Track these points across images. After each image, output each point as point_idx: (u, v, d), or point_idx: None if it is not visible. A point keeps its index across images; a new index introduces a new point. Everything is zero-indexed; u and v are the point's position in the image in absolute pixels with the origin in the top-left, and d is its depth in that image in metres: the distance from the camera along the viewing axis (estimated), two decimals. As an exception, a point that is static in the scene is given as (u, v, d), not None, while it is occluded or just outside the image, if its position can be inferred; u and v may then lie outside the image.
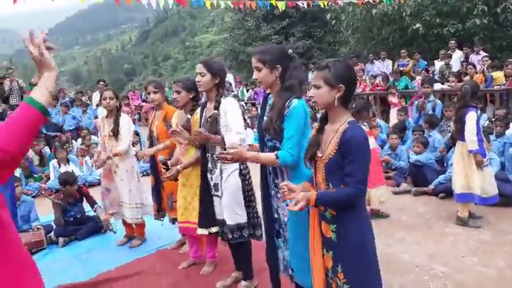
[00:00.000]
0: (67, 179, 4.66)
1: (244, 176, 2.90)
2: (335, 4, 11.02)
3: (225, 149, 2.49)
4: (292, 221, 2.31)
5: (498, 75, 8.19)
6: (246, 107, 10.95)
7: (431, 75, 9.44)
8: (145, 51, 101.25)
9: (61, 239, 4.47)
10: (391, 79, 10.02)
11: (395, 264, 3.46)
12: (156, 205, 4.05)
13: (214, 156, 2.88)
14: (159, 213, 4.06)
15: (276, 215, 2.49)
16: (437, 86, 8.65)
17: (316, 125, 2.09)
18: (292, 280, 2.49)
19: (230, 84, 13.16)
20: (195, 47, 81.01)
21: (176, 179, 3.33)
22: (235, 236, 2.91)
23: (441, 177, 5.25)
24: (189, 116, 3.23)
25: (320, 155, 1.98)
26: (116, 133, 4.02)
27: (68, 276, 3.60)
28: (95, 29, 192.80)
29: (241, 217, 2.89)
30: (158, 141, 3.92)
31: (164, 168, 3.32)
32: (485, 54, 9.22)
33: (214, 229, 3.09)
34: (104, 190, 4.25)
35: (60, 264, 3.96)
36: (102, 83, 11.31)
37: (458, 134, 4.19)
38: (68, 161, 7.06)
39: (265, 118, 2.43)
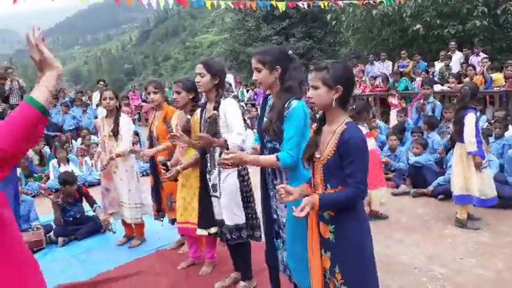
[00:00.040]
0: (67, 179, 4.67)
1: (242, 177, 2.90)
2: (335, 5, 11.04)
3: (228, 150, 2.49)
4: (290, 222, 2.31)
5: (498, 76, 8.19)
6: (245, 108, 10.95)
7: (431, 76, 9.45)
8: (145, 51, 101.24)
9: (60, 239, 4.48)
10: (391, 80, 10.03)
11: (394, 265, 3.46)
12: (156, 205, 4.06)
13: (216, 161, 2.89)
14: (159, 213, 4.07)
15: (275, 216, 2.50)
16: (437, 88, 8.65)
17: (314, 125, 2.10)
18: (290, 280, 2.49)
19: (230, 84, 13.16)
20: (196, 47, 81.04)
21: (176, 180, 3.34)
22: (233, 236, 2.91)
23: (440, 179, 5.26)
24: (189, 117, 3.24)
25: (318, 155, 1.98)
26: (115, 133, 4.02)
27: (67, 276, 3.60)
28: (95, 29, 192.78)
29: (240, 218, 2.89)
30: (158, 142, 3.92)
31: (164, 169, 3.32)
32: (485, 55, 9.24)
33: (213, 230, 3.10)
34: (104, 190, 4.26)
35: (59, 264, 3.97)
36: (102, 83, 11.32)
37: (457, 136, 4.20)
38: (67, 160, 7.07)
39: (265, 119, 2.44)
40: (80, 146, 8.37)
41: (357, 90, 10.44)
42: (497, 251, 3.68)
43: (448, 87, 8.57)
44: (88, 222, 4.73)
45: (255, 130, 5.02)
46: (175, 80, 3.88)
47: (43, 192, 6.27)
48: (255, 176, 2.74)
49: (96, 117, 9.01)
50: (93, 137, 8.40)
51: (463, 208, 4.26)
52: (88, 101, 12.09)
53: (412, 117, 7.65)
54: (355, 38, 14.33)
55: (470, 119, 4.02)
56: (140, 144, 7.84)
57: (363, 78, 10.78)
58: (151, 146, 4.00)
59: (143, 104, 13.49)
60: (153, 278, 3.51)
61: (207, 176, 3.00)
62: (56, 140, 8.38)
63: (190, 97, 3.27)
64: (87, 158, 7.49)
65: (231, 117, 2.80)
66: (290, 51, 2.42)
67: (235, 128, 2.75)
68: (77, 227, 4.64)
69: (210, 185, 2.99)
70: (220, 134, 2.81)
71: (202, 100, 3.27)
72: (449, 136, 5.26)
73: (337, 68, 1.92)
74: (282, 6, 9.80)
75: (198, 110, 3.16)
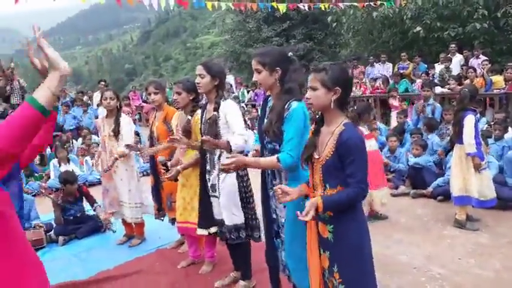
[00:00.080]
0: (67, 178, 4.69)
1: (242, 177, 2.91)
2: (336, 7, 11.07)
3: (231, 152, 2.51)
4: (289, 222, 2.33)
5: (497, 79, 8.21)
6: (246, 109, 10.97)
7: (431, 78, 9.47)
8: (146, 51, 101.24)
9: (61, 238, 4.50)
10: (391, 82, 10.05)
11: (392, 265, 3.48)
12: (157, 205, 4.07)
13: (215, 162, 2.91)
14: (159, 212, 4.09)
15: (274, 216, 2.51)
16: (437, 90, 8.68)
17: (312, 127, 2.12)
18: (289, 280, 2.51)
19: (231, 85, 13.19)
20: (196, 48, 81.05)
21: (176, 180, 3.35)
22: (232, 236, 2.93)
23: (440, 180, 5.27)
24: (189, 117, 3.26)
25: (317, 156, 2.00)
26: (116, 133, 4.04)
27: (68, 275, 3.62)
28: (97, 28, 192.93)
29: (239, 218, 2.91)
30: (158, 142, 3.94)
31: (164, 169, 3.34)
32: (485, 58, 9.26)
33: (213, 229, 3.11)
34: (104, 190, 4.28)
35: (59, 263, 3.99)
36: (103, 83, 11.33)
37: (457, 137, 4.21)
38: (68, 160, 7.09)
39: (265, 120, 2.45)
40: (81, 146, 8.40)
41: (357, 92, 10.47)
42: (496, 251, 3.70)
43: (448, 89, 8.59)
44: (88, 221, 4.75)
45: (255, 131, 5.04)
46: (176, 80, 3.90)
47: (44, 191, 6.28)
48: (255, 177, 2.76)
49: (96, 117, 9.03)
50: (93, 136, 8.43)
51: (462, 209, 4.28)
52: (89, 101, 12.12)
53: (411, 118, 7.67)
54: (356, 40, 14.38)
55: (469, 120, 4.04)
56: (141, 145, 7.86)
57: (363, 80, 10.80)
58: (151, 146, 4.01)
59: (144, 104, 13.51)
60: (153, 277, 3.53)
61: (207, 176, 3.02)
62: (57, 139, 8.39)
63: (191, 98, 3.29)
64: (87, 158, 7.51)
65: (232, 118, 2.81)
66: (290, 53, 2.43)
67: (237, 129, 2.76)
68: (77, 226, 4.66)
69: (209, 185, 3.01)
70: (220, 135, 2.82)
71: (203, 101, 3.29)
72: (449, 138, 5.27)
73: (335, 69, 1.94)
74: (282, 7, 9.83)
75: (199, 111, 3.17)
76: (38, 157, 7.61)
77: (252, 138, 2.83)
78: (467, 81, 8.03)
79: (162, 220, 4.15)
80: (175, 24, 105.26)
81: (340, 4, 10.43)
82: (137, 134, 7.91)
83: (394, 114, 8.63)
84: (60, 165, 6.96)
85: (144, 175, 6.71)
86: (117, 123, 4.05)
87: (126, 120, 4.13)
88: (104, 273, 3.63)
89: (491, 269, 3.36)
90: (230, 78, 13.33)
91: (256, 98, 12.13)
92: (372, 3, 10.53)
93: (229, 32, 21.45)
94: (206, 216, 3.08)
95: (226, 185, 2.88)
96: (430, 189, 5.31)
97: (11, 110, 8.76)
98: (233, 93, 12.88)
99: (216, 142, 2.62)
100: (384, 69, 11.15)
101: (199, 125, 3.06)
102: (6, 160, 1.20)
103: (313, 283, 2.09)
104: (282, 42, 16.38)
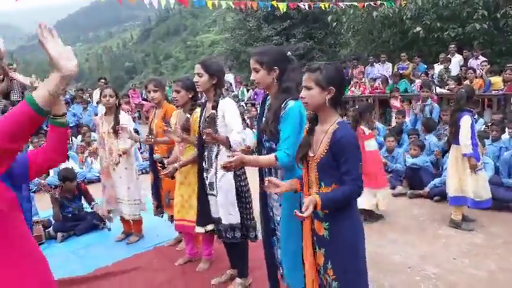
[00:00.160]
0: (66, 175, 4.72)
1: (239, 176, 2.93)
2: (336, 6, 11.09)
3: (230, 148, 2.54)
4: (284, 219, 2.36)
5: (496, 80, 8.24)
6: (245, 107, 10.98)
7: (430, 78, 9.49)
8: (146, 49, 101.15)
9: (59, 234, 4.53)
10: (390, 82, 10.06)
11: (387, 264, 3.51)
12: (156, 202, 4.10)
13: (212, 160, 2.94)
14: (158, 209, 4.11)
15: (271, 214, 2.54)
16: (436, 90, 8.69)
17: (306, 126, 2.14)
18: (282, 279, 2.53)
19: (230, 84, 13.20)
20: (196, 46, 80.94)
21: (173, 177, 3.38)
22: (228, 236, 2.96)
23: (436, 181, 5.30)
24: (188, 115, 3.28)
25: (312, 154, 2.03)
26: (116, 130, 4.07)
27: (66, 271, 3.64)
28: (97, 26, 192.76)
29: (234, 217, 2.92)
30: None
31: (160, 167, 3.37)
32: (485, 59, 9.28)
33: (209, 227, 3.14)
34: (103, 187, 4.31)
35: (58, 259, 4.00)
36: (103, 80, 11.33)
37: (453, 138, 4.24)
38: (67, 157, 7.09)
39: (263, 119, 2.48)
40: (80, 143, 8.40)
41: (357, 92, 10.49)
42: (491, 252, 3.73)
43: (448, 89, 8.61)
44: (87, 218, 4.78)
45: (254, 130, 5.06)
46: (176, 78, 3.92)
47: (43, 188, 6.30)
48: (253, 175, 2.78)
49: (96, 115, 9.04)
50: (93, 134, 8.43)
51: (458, 209, 4.31)
52: (88, 99, 12.12)
53: (409, 119, 7.68)
54: (356, 40, 14.38)
55: (465, 121, 4.06)
56: (140, 143, 7.87)
57: (363, 80, 10.82)
58: (151, 144, 4.03)
59: (143, 102, 13.51)
60: (150, 273, 3.55)
61: (204, 175, 3.04)
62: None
63: (190, 96, 3.31)
64: (87, 155, 7.52)
65: (230, 116, 2.83)
66: (289, 53, 2.44)
67: (235, 127, 2.78)
68: (76, 222, 4.69)
69: (207, 183, 3.03)
70: (218, 133, 2.85)
71: (203, 99, 3.31)
72: (446, 138, 5.29)
73: (329, 69, 1.97)
74: (283, 6, 9.85)
75: (199, 109, 3.20)
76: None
77: (250, 137, 2.85)
78: (467, 82, 8.05)
79: (162, 217, 4.17)
80: (176, 22, 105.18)
81: (341, 3, 10.46)
82: (136, 131, 7.92)
83: (395, 115, 8.63)
84: (59, 163, 6.96)
85: (143, 173, 6.74)
86: (117, 121, 4.08)
87: (125, 118, 4.15)
88: (102, 270, 3.66)
89: (485, 269, 3.39)
90: (230, 77, 13.34)
91: (255, 97, 12.14)
92: (372, 3, 10.55)
93: (229, 31, 21.45)
94: (204, 214, 3.11)
95: (223, 184, 2.90)
96: (426, 189, 5.34)
97: (11, 106, 8.78)
98: (233, 91, 12.90)
99: (217, 136, 2.65)
100: (383, 69, 11.17)
101: (198, 123, 3.08)
102: (1, 156, 1.20)
103: (308, 280, 2.11)
104: (282, 41, 16.39)
